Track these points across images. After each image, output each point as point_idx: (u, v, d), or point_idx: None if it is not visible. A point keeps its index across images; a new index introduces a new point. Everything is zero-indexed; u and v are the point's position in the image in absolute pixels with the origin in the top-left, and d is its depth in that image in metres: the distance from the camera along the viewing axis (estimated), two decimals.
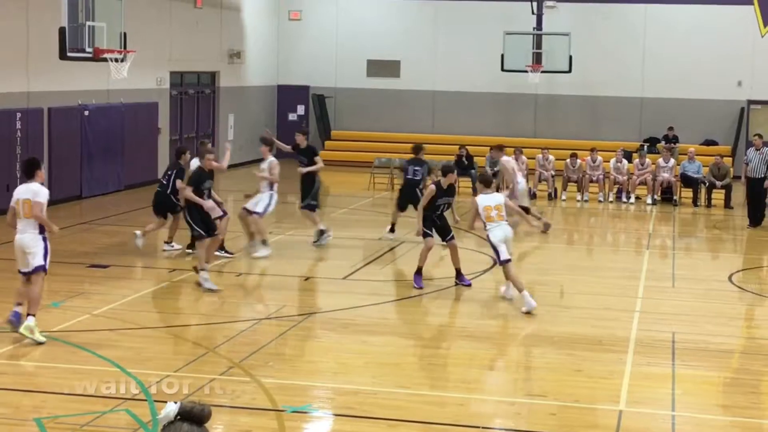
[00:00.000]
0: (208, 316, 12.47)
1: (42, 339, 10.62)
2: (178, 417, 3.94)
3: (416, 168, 17.46)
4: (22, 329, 10.60)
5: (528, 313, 12.51)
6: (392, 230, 17.76)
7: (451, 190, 14.25)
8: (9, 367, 10.11)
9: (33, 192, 10.79)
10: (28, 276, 10.86)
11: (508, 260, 12.93)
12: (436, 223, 14.15)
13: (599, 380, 10.08)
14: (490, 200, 13.18)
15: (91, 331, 11.39)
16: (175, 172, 15.73)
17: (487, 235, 13.16)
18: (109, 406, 8.76)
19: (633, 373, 10.25)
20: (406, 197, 17.35)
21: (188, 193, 13.61)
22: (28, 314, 10.69)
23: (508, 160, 19.35)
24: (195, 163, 15.14)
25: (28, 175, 11.04)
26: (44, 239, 10.85)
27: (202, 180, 13.78)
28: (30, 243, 10.79)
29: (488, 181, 13.64)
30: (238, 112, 29.57)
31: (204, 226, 13.70)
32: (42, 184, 11.05)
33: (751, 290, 14.89)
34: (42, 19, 19.74)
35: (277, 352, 10.86)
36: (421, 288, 13.74)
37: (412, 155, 17.78)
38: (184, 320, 12.39)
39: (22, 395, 9.25)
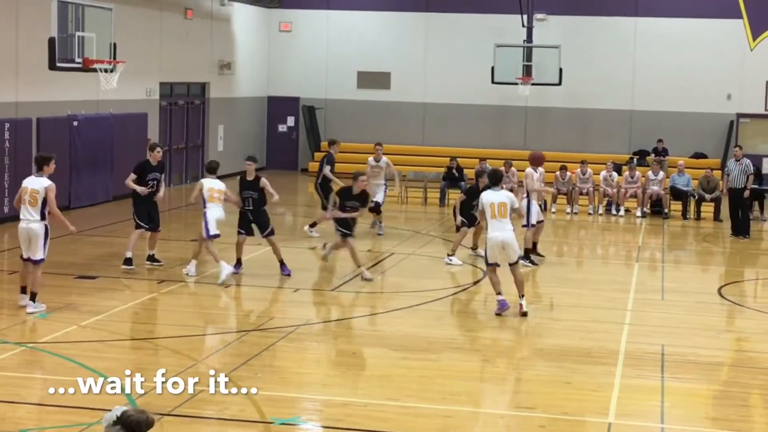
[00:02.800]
0: (196, 327, 12.43)
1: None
2: (119, 422, 3.96)
3: None
4: None
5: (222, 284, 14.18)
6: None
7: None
8: None
9: None
10: None
11: (216, 235, 14.86)
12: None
13: (588, 393, 10.07)
14: (215, 184, 15.07)
15: (79, 342, 11.33)
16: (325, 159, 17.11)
17: (205, 212, 14.88)
18: (96, 417, 8.68)
19: (622, 386, 10.24)
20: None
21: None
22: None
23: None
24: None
25: None
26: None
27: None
28: None
29: (214, 168, 15.29)
30: (227, 123, 29.54)
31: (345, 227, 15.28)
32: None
33: (741, 303, 14.89)
34: (31, 30, 19.71)
35: (265, 363, 10.82)
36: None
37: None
38: (172, 332, 12.32)
39: (7, 407, 9.17)
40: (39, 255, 12.60)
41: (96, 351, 10.96)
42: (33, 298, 12.65)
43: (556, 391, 10.08)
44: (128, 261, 15.34)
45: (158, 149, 16.01)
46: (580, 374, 10.63)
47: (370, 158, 20.16)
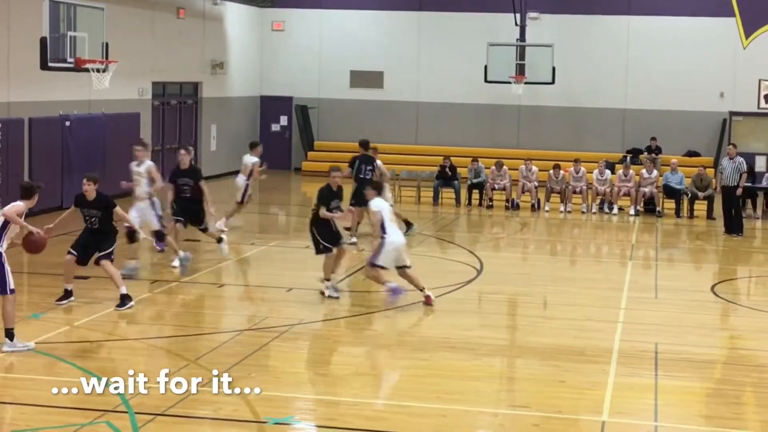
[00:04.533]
0: (190, 327, 12.41)
1: None
2: None
3: (369, 167, 18.35)
4: None
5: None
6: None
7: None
8: None
9: None
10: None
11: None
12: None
13: (582, 391, 10.07)
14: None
15: (72, 342, 11.31)
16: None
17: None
18: (89, 418, 8.69)
19: (616, 384, 10.24)
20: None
21: (322, 211, 13.81)
22: None
23: None
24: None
25: None
26: None
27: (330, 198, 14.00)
28: None
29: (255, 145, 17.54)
30: (220, 123, 29.51)
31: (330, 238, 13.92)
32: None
33: (734, 301, 14.91)
34: (23, 29, 19.66)
35: (259, 363, 10.80)
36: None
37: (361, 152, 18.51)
38: (165, 332, 12.32)
39: (0, 408, 9.16)
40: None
41: (89, 351, 10.94)
42: (9, 335, 10.72)
43: (550, 389, 10.08)
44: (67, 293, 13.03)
45: (85, 181, 13.07)
46: (573, 372, 10.64)
47: (132, 163, 15.58)
